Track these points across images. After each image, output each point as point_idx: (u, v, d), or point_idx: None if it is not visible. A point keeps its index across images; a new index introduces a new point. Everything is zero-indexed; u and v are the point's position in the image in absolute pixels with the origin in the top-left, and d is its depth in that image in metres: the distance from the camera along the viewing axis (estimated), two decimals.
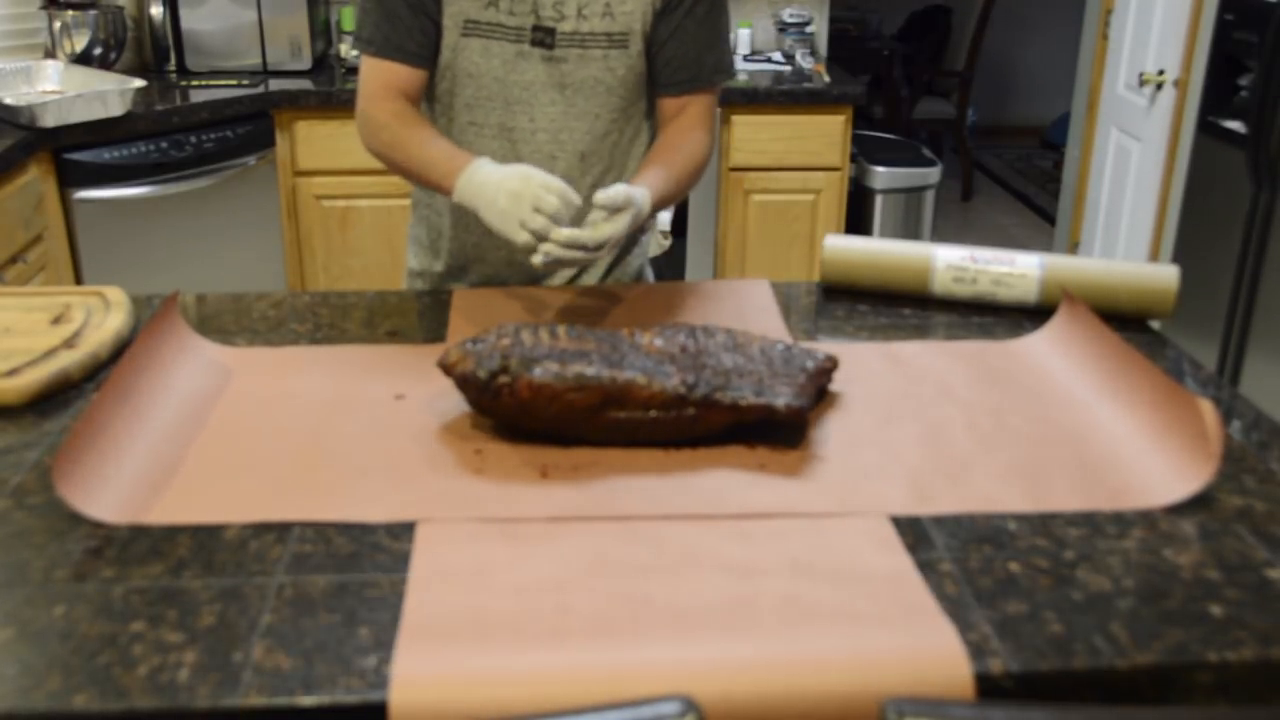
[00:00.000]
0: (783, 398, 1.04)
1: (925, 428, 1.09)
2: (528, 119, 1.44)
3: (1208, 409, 0.98)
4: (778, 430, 1.06)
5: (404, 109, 1.43)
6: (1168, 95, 3.19)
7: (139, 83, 2.68)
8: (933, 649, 0.77)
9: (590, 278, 1.57)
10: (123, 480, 0.95)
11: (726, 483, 0.99)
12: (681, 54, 1.45)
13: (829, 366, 1.13)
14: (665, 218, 3.11)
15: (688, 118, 1.48)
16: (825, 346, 1.28)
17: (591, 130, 1.46)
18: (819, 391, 1.11)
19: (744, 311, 1.36)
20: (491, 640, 0.77)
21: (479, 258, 1.54)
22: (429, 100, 1.51)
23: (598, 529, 0.91)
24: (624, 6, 1.40)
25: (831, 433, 1.08)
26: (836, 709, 0.73)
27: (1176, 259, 3.08)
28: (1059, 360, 1.22)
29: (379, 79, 1.44)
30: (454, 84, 1.45)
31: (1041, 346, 1.26)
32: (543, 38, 1.39)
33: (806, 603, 0.81)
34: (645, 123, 1.52)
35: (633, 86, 1.47)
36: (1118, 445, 1.05)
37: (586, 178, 1.48)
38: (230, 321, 1.34)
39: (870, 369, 1.21)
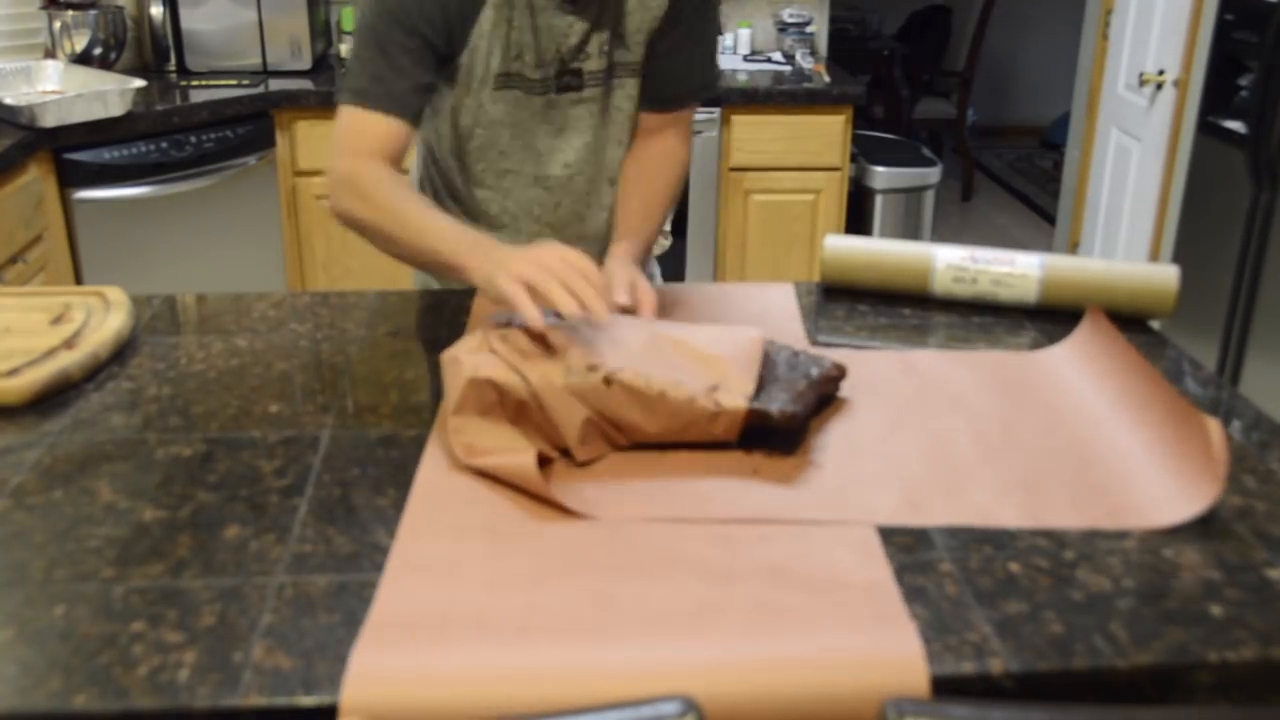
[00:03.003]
0: (778, 403, 1.04)
1: (929, 437, 1.07)
2: (562, 164, 1.45)
3: (1215, 430, 0.96)
4: (774, 436, 1.06)
5: (393, 174, 1.30)
6: (1168, 95, 3.19)
7: (139, 83, 2.68)
8: (891, 653, 0.76)
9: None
10: None
11: (716, 487, 0.98)
12: (674, 71, 1.44)
13: (835, 375, 1.12)
14: None
15: (675, 134, 1.48)
16: (837, 352, 1.28)
17: (616, 155, 1.49)
18: (820, 399, 1.10)
19: (766, 316, 1.36)
20: (454, 637, 0.77)
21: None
22: (456, 156, 1.47)
23: (579, 529, 0.91)
24: (636, 37, 1.40)
25: (832, 440, 1.07)
26: (796, 715, 0.73)
27: (1176, 259, 3.08)
28: (1076, 374, 1.20)
29: (370, 136, 1.31)
30: (487, 138, 1.42)
31: (1060, 359, 1.25)
32: (570, 81, 1.39)
33: (775, 609, 0.81)
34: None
35: (638, 106, 1.49)
36: (1124, 462, 1.03)
37: (611, 199, 1.51)
38: (230, 321, 1.34)
39: (883, 376, 1.20)
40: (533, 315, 1.03)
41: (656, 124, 1.48)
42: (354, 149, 1.31)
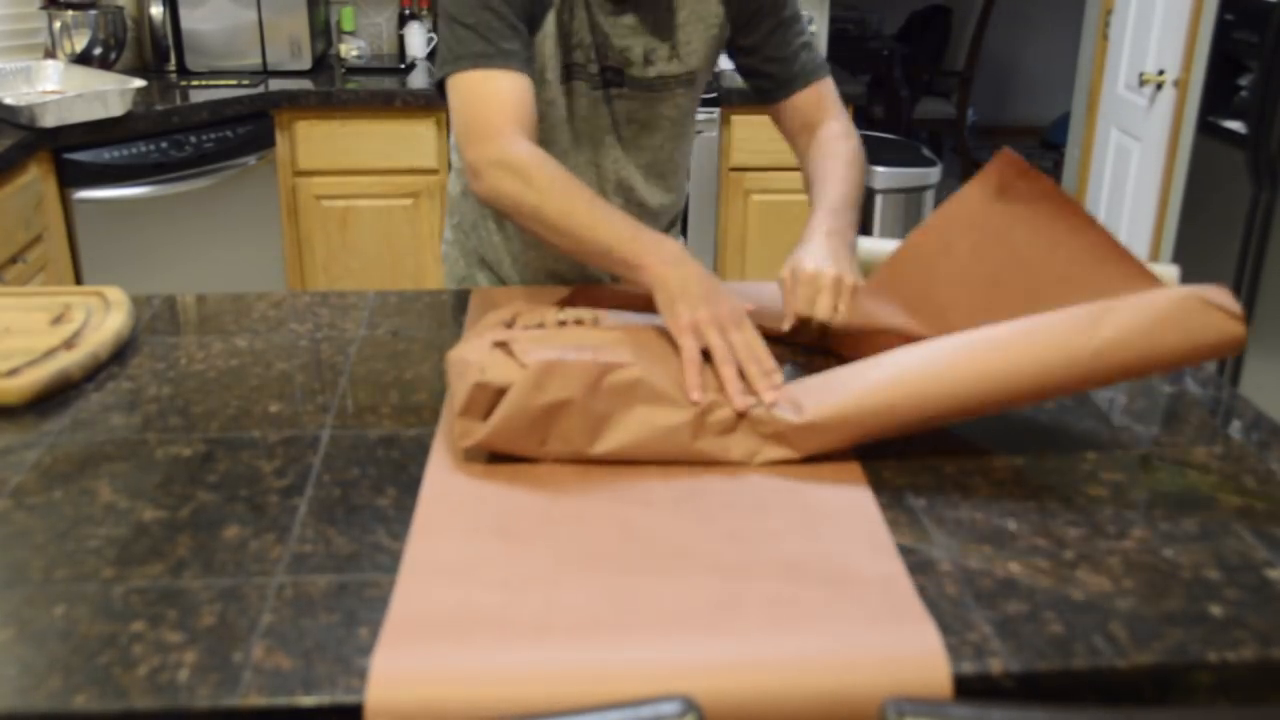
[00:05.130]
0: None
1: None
2: (611, 158, 1.47)
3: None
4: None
5: (549, 156, 1.25)
6: (1168, 95, 3.19)
7: (139, 83, 2.68)
8: (914, 651, 0.76)
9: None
10: None
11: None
12: (779, 58, 1.46)
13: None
14: None
15: (825, 117, 1.49)
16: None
17: (660, 153, 1.51)
18: None
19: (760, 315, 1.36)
20: (475, 637, 0.77)
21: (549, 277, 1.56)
22: None
23: (592, 528, 0.91)
24: (689, 47, 1.42)
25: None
26: (818, 710, 0.73)
27: (1176, 259, 3.08)
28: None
29: (503, 101, 1.24)
30: (552, 129, 1.42)
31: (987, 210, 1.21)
32: (612, 77, 1.41)
33: (793, 604, 0.81)
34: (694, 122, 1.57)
35: (692, 111, 1.52)
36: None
37: (655, 188, 1.53)
38: (230, 321, 1.34)
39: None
40: (694, 375, 1.05)
41: (797, 115, 1.49)
42: (493, 123, 1.24)
